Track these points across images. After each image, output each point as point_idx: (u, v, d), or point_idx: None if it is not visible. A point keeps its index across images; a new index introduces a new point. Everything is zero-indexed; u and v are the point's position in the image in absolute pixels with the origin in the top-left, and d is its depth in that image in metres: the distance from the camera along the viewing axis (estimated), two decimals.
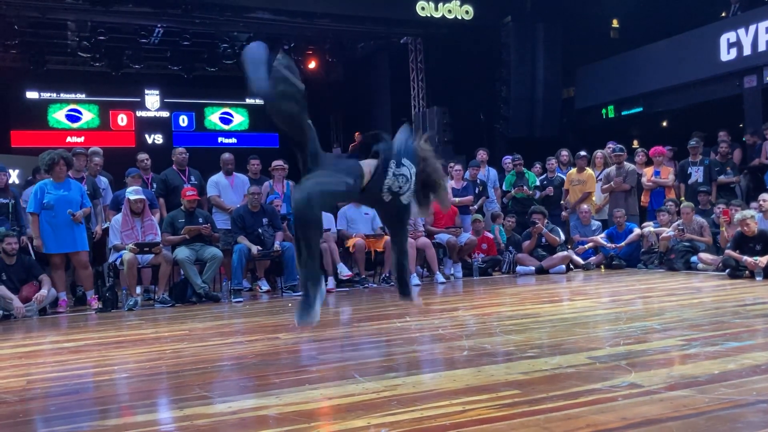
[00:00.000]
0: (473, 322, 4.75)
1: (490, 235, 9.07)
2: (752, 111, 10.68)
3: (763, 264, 6.67)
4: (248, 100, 16.96)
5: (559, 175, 9.81)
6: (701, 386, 2.64)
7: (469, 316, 5.15)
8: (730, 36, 10.83)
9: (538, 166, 10.19)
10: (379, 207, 3.80)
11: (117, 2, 11.20)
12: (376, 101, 16.37)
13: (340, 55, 15.68)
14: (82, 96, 15.57)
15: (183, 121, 16.36)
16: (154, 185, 8.21)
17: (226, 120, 16.83)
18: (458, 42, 13.28)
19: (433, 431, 2.26)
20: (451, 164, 9.46)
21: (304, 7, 12.10)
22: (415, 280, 7.80)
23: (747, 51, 10.61)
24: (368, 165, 3.52)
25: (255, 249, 7.37)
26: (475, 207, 9.19)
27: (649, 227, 8.69)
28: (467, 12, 12.83)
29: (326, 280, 7.78)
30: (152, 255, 6.97)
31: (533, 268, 8.47)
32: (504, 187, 9.94)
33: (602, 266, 8.88)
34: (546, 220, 8.69)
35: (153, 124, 16.06)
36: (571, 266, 8.69)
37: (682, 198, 9.09)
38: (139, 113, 15.97)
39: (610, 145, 9.75)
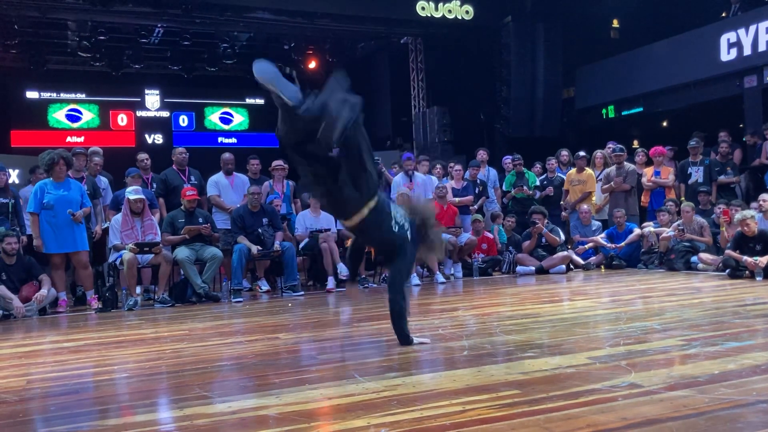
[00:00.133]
0: (473, 322, 4.75)
1: (490, 235, 9.07)
2: (752, 111, 10.67)
3: (763, 264, 6.67)
4: (248, 100, 16.98)
5: (559, 175, 9.81)
6: (701, 386, 2.64)
7: (469, 316, 5.15)
8: (731, 36, 10.83)
9: (538, 166, 10.19)
10: (376, 240, 3.82)
11: (117, 2, 11.20)
12: (376, 101, 16.36)
13: (341, 55, 15.67)
14: (82, 96, 15.58)
15: (183, 120, 16.36)
16: (154, 185, 8.20)
17: (226, 120, 16.83)
18: (458, 42, 13.29)
19: (433, 431, 2.26)
20: (451, 164, 9.46)
21: (305, 6, 12.10)
22: (415, 280, 7.80)
23: (747, 51, 10.61)
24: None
25: (255, 249, 7.37)
26: (475, 207, 9.19)
27: (649, 227, 8.69)
28: (467, 12, 12.83)
29: (326, 281, 7.80)
30: (152, 255, 6.97)
31: (533, 268, 8.47)
32: (504, 187, 9.94)
33: (602, 266, 8.88)
34: (546, 220, 8.69)
35: (153, 124, 16.06)
36: (571, 266, 8.69)
37: (682, 198, 9.08)
38: (139, 113, 15.97)
39: (610, 145, 9.75)
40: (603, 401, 2.49)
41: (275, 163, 8.67)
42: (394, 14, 12.75)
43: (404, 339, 3.74)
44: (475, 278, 8.42)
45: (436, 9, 12.62)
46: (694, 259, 7.89)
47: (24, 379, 3.48)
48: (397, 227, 3.74)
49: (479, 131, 13.80)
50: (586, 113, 13.77)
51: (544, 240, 8.63)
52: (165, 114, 16.20)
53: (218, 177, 8.34)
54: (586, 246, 8.97)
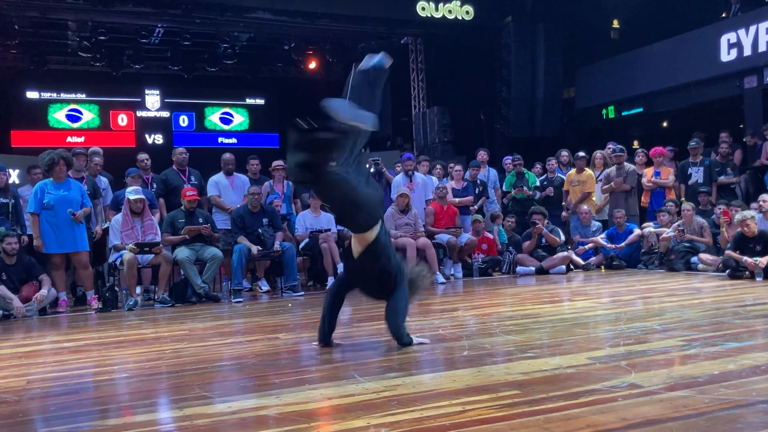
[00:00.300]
0: (473, 323, 4.75)
1: (490, 236, 9.07)
2: (752, 112, 10.68)
3: (763, 264, 6.67)
4: (248, 101, 16.98)
5: (559, 175, 9.81)
6: (701, 387, 2.64)
7: (469, 316, 5.15)
8: (731, 36, 10.83)
9: (538, 166, 10.19)
10: (376, 272, 3.77)
11: (117, 2, 11.21)
12: None
13: (341, 55, 15.67)
14: (82, 96, 15.57)
15: (183, 121, 16.36)
16: (154, 185, 8.21)
17: (226, 120, 16.83)
18: (459, 42, 13.29)
19: (433, 431, 2.26)
20: (451, 164, 9.46)
21: (305, 7, 12.11)
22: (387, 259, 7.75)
23: (747, 51, 10.61)
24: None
25: (255, 249, 7.37)
26: (476, 207, 9.19)
27: (650, 228, 8.69)
28: (468, 12, 12.83)
29: (326, 281, 7.80)
30: (152, 255, 6.97)
31: (533, 268, 8.47)
32: (504, 188, 9.94)
33: (602, 267, 8.88)
34: (546, 221, 8.69)
35: (153, 124, 16.06)
36: (571, 267, 8.69)
37: (683, 198, 9.08)
38: (139, 113, 15.97)
39: (611, 146, 9.75)
40: (603, 401, 2.49)
41: (275, 163, 8.68)
42: (395, 14, 12.76)
43: (406, 344, 3.74)
44: (475, 278, 8.42)
45: (437, 9, 12.63)
46: (694, 259, 7.89)
47: (24, 379, 3.48)
48: (393, 260, 3.82)
49: (479, 131, 13.81)
50: (587, 113, 13.78)
51: (544, 240, 8.63)
52: (165, 114, 16.20)
53: (218, 177, 8.35)
54: (586, 246, 8.97)
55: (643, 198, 9.46)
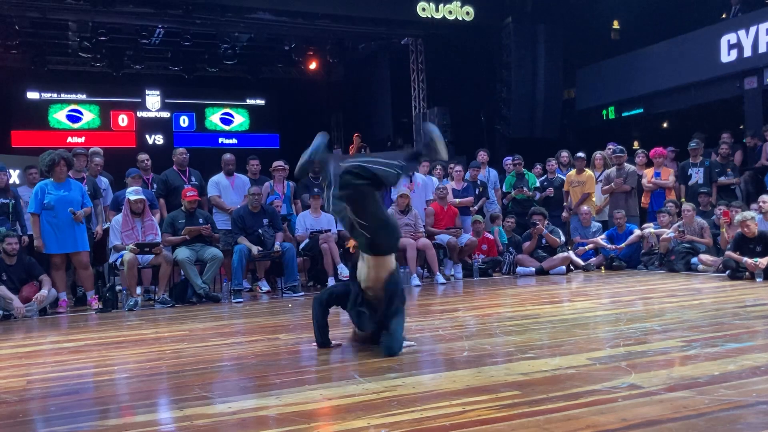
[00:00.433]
0: (473, 323, 4.76)
1: (491, 236, 9.07)
2: (752, 112, 10.68)
3: (764, 265, 6.67)
4: (248, 101, 17.00)
5: (560, 176, 9.81)
6: (701, 387, 2.64)
7: (470, 316, 5.15)
8: (731, 37, 10.83)
9: (538, 167, 10.19)
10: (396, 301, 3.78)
11: (118, 3, 11.22)
12: (376, 102, 16.38)
13: (341, 56, 15.69)
14: (82, 96, 15.58)
15: (183, 121, 16.37)
16: (155, 186, 8.21)
17: (226, 120, 16.84)
18: (459, 43, 13.29)
19: None
20: (452, 165, 9.46)
21: (305, 7, 12.11)
22: (415, 281, 7.81)
23: (747, 52, 10.61)
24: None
25: (255, 249, 7.37)
26: (476, 208, 9.19)
27: (650, 228, 8.68)
28: (468, 13, 12.83)
29: (326, 281, 7.80)
30: (152, 255, 6.97)
31: (533, 269, 8.47)
32: (504, 188, 9.94)
33: (602, 267, 8.88)
34: (546, 221, 8.69)
35: (153, 125, 16.07)
36: (572, 267, 8.69)
37: (683, 199, 9.08)
38: (139, 114, 15.98)
39: (611, 146, 9.75)
40: (603, 402, 2.49)
41: (275, 163, 8.68)
42: (395, 15, 12.77)
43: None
44: (476, 279, 8.42)
45: (437, 10, 12.63)
46: (694, 260, 7.89)
47: (24, 380, 3.49)
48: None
49: (479, 132, 13.81)
50: (587, 114, 13.78)
51: (544, 241, 8.62)
52: (165, 114, 16.21)
53: (219, 177, 8.35)
54: (586, 247, 8.97)
55: (643, 199, 9.46)
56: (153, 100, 16.07)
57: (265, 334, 4.69)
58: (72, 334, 5.37)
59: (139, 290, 7.12)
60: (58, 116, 15.37)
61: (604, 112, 13.33)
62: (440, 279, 8.05)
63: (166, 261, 6.98)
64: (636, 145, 12.60)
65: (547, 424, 2.26)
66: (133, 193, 7.12)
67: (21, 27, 12.49)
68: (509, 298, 6.39)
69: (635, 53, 12.57)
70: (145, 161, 8.41)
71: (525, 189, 9.54)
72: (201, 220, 7.39)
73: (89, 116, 15.61)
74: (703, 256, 7.79)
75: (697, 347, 3.44)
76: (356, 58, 16.05)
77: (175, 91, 16.10)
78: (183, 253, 7.08)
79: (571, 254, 8.76)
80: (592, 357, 3.29)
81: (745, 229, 6.95)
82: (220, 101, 16.75)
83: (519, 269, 8.56)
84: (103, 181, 8.17)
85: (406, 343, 3.78)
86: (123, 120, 15.81)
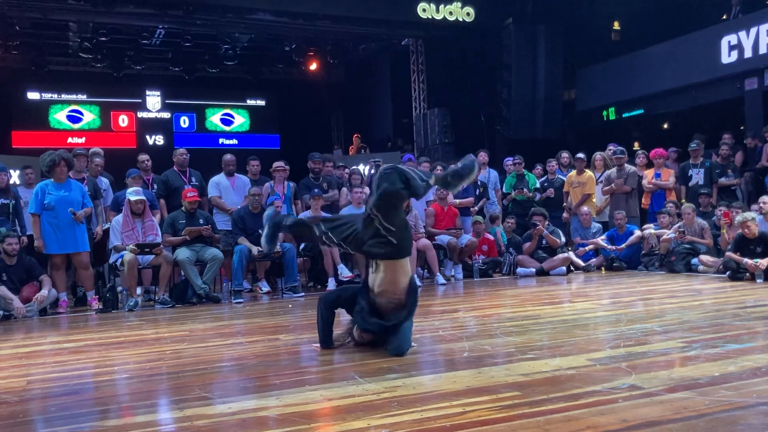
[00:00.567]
0: (473, 324, 4.76)
1: (491, 237, 9.07)
2: (753, 113, 10.69)
3: (764, 266, 6.66)
4: (249, 102, 17.00)
5: (560, 176, 9.80)
6: (701, 388, 2.64)
7: (470, 317, 5.15)
8: (731, 38, 10.84)
9: (539, 167, 10.19)
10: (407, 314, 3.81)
11: (118, 3, 11.23)
12: (377, 103, 16.39)
13: (342, 57, 15.70)
14: (83, 97, 15.58)
15: (184, 122, 16.38)
16: (155, 186, 8.21)
17: (227, 121, 16.85)
18: (459, 44, 13.31)
19: None
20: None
21: (306, 8, 12.13)
22: (415, 281, 7.79)
23: (748, 53, 10.62)
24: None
25: (255, 250, 7.36)
26: (476, 209, 9.19)
27: (650, 229, 8.68)
28: (468, 14, 12.84)
29: (327, 282, 7.80)
30: (153, 256, 6.96)
31: (533, 269, 8.47)
32: (504, 189, 9.94)
33: (603, 268, 8.88)
34: (546, 222, 8.68)
35: (154, 125, 16.08)
36: (572, 268, 8.68)
37: (683, 200, 9.08)
38: (140, 114, 15.98)
39: (611, 147, 9.75)
40: (603, 403, 2.49)
41: (276, 164, 8.67)
42: (395, 16, 12.78)
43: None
44: (476, 280, 8.42)
45: (437, 11, 12.64)
46: (694, 261, 7.89)
47: (24, 380, 3.48)
48: None
49: (480, 133, 13.82)
50: (587, 115, 13.79)
51: (544, 242, 8.62)
52: (166, 115, 16.22)
53: (219, 178, 8.35)
54: (586, 248, 8.97)
55: (643, 200, 9.46)
56: (153, 100, 16.07)
57: (265, 335, 4.69)
58: (72, 334, 5.37)
59: (139, 291, 7.11)
60: (59, 117, 15.38)
61: (605, 112, 13.34)
62: (440, 280, 8.05)
63: (167, 261, 6.98)
64: (636, 146, 12.61)
65: (547, 424, 2.26)
66: (134, 193, 7.12)
67: (22, 27, 12.50)
68: (509, 299, 6.39)
69: (636, 54, 12.57)
70: (146, 162, 8.41)
71: (525, 190, 9.54)
72: (201, 221, 7.39)
73: (90, 117, 15.61)
74: (704, 257, 7.79)
75: (698, 348, 3.44)
76: (357, 58, 16.06)
77: (175, 91, 16.11)
78: (183, 253, 7.08)
79: (572, 255, 8.76)
80: (592, 358, 3.29)
81: (746, 230, 6.94)
82: (220, 102, 16.76)
83: (519, 270, 8.56)
84: (104, 182, 8.17)
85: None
86: (123, 120, 15.82)
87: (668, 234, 8.21)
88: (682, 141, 9.94)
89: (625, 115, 13.08)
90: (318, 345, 3.92)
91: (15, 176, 11.43)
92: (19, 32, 12.73)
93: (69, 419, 2.67)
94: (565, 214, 9.55)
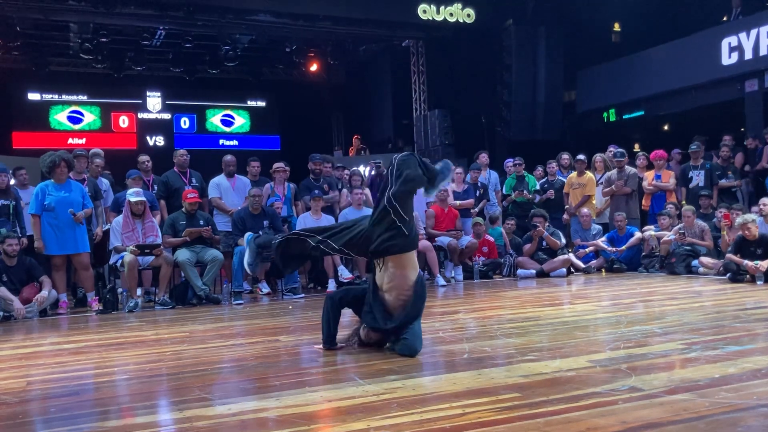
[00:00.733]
0: (474, 325, 4.75)
1: (491, 238, 9.06)
2: (753, 115, 10.69)
3: (764, 268, 6.66)
4: (249, 103, 17.02)
5: (560, 178, 9.80)
6: (702, 390, 2.64)
7: (470, 319, 5.15)
8: (732, 40, 10.84)
9: (539, 169, 10.19)
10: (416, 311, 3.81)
11: (119, 4, 11.24)
12: (377, 104, 16.41)
13: (342, 58, 15.71)
14: (83, 97, 15.60)
15: (184, 123, 16.39)
16: (155, 187, 8.21)
17: (227, 122, 16.86)
18: (460, 45, 13.32)
19: None
20: (452, 167, 9.46)
21: (306, 9, 12.14)
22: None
23: (748, 55, 10.62)
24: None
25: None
26: (476, 210, 9.19)
27: (650, 231, 8.68)
28: (469, 15, 12.85)
29: (327, 283, 7.80)
30: (153, 257, 6.96)
31: (534, 271, 8.47)
32: (504, 191, 9.94)
33: (603, 270, 8.87)
34: (547, 224, 8.68)
35: (154, 126, 16.09)
36: (572, 270, 8.68)
37: (683, 202, 9.08)
38: (140, 115, 16.00)
39: (611, 149, 9.75)
40: (603, 405, 2.49)
41: (276, 165, 8.67)
42: (396, 17, 12.79)
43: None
44: (476, 281, 8.42)
45: (438, 12, 12.65)
46: (694, 262, 7.88)
47: (24, 381, 3.48)
48: None
49: (480, 134, 13.83)
50: (588, 116, 13.79)
51: (544, 243, 8.62)
52: (166, 116, 16.23)
53: (219, 179, 8.35)
54: (586, 249, 8.97)
55: (643, 201, 9.46)
56: (154, 101, 16.09)
57: (265, 336, 4.69)
58: (72, 335, 5.37)
59: (139, 292, 7.11)
60: (59, 117, 15.39)
61: (605, 114, 13.35)
62: (441, 281, 8.05)
63: (167, 262, 6.98)
64: (637, 147, 12.61)
65: (547, 426, 2.26)
66: (134, 194, 7.12)
67: (22, 28, 12.52)
68: (509, 301, 6.39)
69: (636, 56, 12.58)
70: (146, 163, 8.41)
71: (525, 191, 9.54)
72: (201, 222, 7.38)
73: (90, 117, 15.63)
74: (704, 259, 7.79)
75: (698, 350, 3.44)
76: (357, 60, 16.07)
77: (175, 92, 16.13)
78: (183, 254, 7.07)
79: (572, 256, 8.75)
80: (592, 359, 3.29)
81: (746, 232, 6.94)
82: (220, 103, 16.78)
83: (519, 271, 8.56)
84: (104, 183, 8.17)
85: None
86: (124, 121, 15.83)
87: (668, 236, 8.21)
88: (683, 142, 9.94)
89: (625, 116, 13.08)
90: (320, 346, 3.91)
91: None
92: (20, 33, 12.75)
93: (69, 420, 2.67)
94: (565, 216, 9.55)
